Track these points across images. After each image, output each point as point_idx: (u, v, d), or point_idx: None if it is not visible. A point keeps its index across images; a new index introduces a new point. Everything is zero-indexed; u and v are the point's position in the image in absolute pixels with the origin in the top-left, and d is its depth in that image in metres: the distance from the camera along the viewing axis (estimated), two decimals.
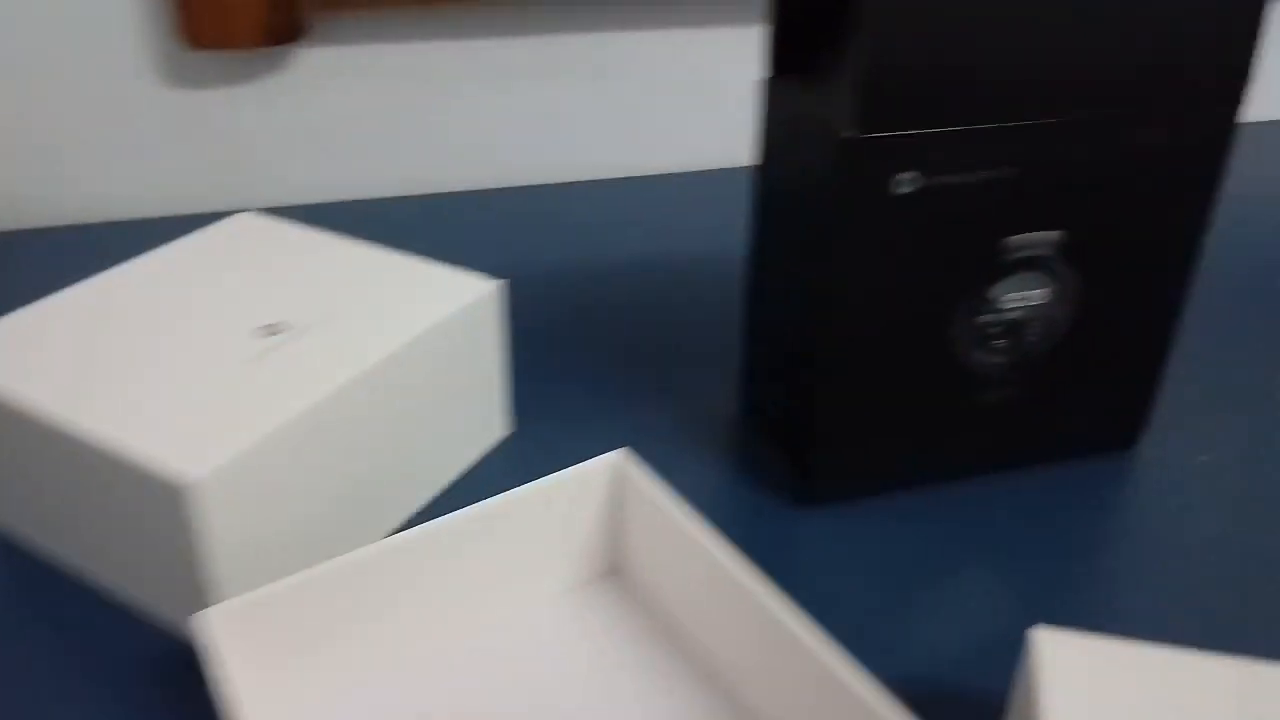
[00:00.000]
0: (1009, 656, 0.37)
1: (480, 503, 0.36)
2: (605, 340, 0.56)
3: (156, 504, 0.35)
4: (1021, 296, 0.41)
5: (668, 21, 0.75)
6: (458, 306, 0.43)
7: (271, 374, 0.39)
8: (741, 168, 0.78)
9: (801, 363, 0.42)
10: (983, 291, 0.41)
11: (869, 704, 0.29)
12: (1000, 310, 0.41)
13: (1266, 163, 0.80)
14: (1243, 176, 0.76)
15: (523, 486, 0.37)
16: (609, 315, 0.58)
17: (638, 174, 0.78)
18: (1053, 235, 0.40)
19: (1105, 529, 0.44)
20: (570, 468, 0.38)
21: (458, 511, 0.36)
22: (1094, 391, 0.45)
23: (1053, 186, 0.39)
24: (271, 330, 0.41)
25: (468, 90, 0.74)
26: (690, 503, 0.45)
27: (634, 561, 0.39)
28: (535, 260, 0.64)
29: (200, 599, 0.36)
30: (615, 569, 0.41)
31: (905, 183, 0.37)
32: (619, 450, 0.38)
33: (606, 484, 0.39)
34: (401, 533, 0.35)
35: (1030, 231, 0.40)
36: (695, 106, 0.79)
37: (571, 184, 0.75)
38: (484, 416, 0.47)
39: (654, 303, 0.60)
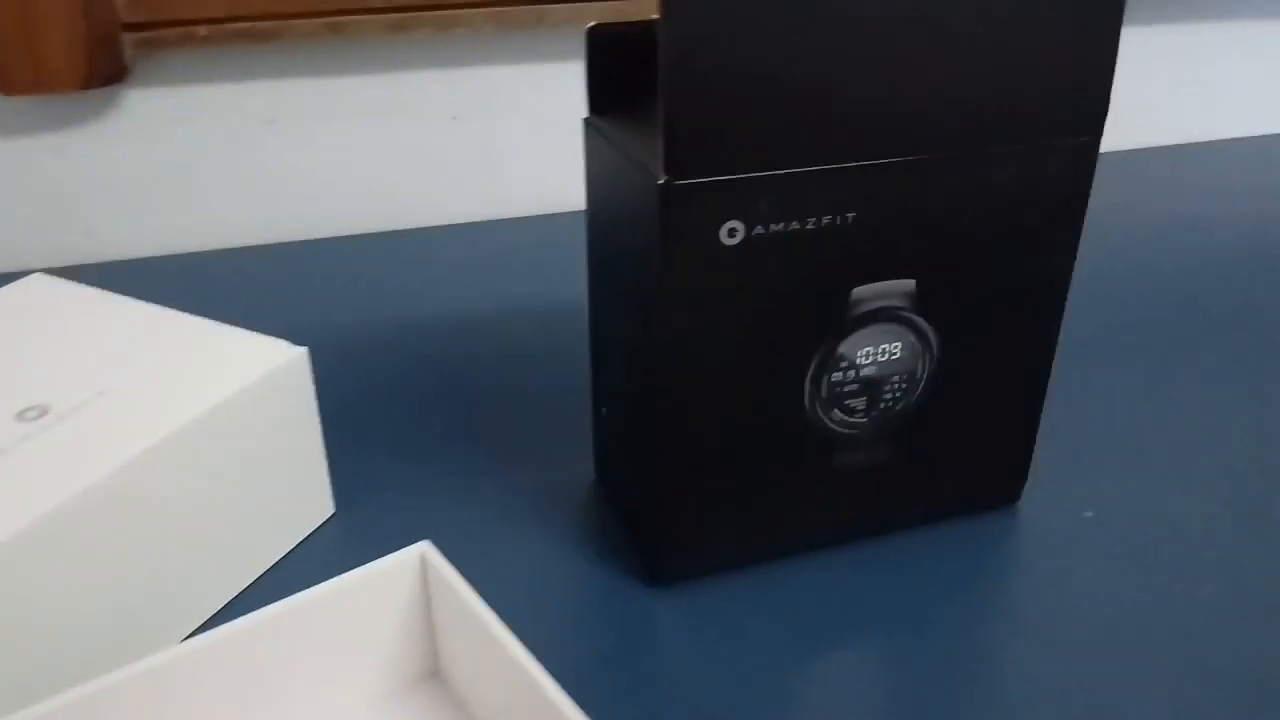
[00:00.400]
0: None
1: (273, 604, 0.31)
2: (447, 402, 0.51)
3: None
4: (875, 351, 0.38)
5: (524, 57, 0.71)
6: (257, 376, 0.38)
7: (25, 464, 0.33)
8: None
9: (641, 427, 0.38)
10: (832, 347, 0.37)
11: None
12: (853, 367, 0.38)
13: (1131, 193, 0.78)
14: (1107, 209, 0.73)
15: (316, 587, 0.32)
16: (452, 375, 0.54)
17: (497, 217, 0.73)
18: (904, 285, 0.37)
19: (983, 594, 0.40)
20: (366, 565, 0.33)
21: (246, 616, 0.31)
22: (966, 448, 0.42)
23: (900, 232, 0.36)
24: (33, 413, 0.36)
25: (312, 129, 0.69)
26: (532, 584, 0.40)
27: (450, 662, 0.35)
28: (374, 313, 0.60)
29: None
30: (433, 672, 0.36)
31: (732, 232, 0.33)
32: (420, 543, 0.34)
33: (413, 579, 0.34)
34: (189, 640, 0.30)
35: (878, 281, 0.36)
36: (560, 146, 0.74)
37: (424, 229, 0.71)
38: (300, 497, 0.42)
39: (505, 358, 0.55)
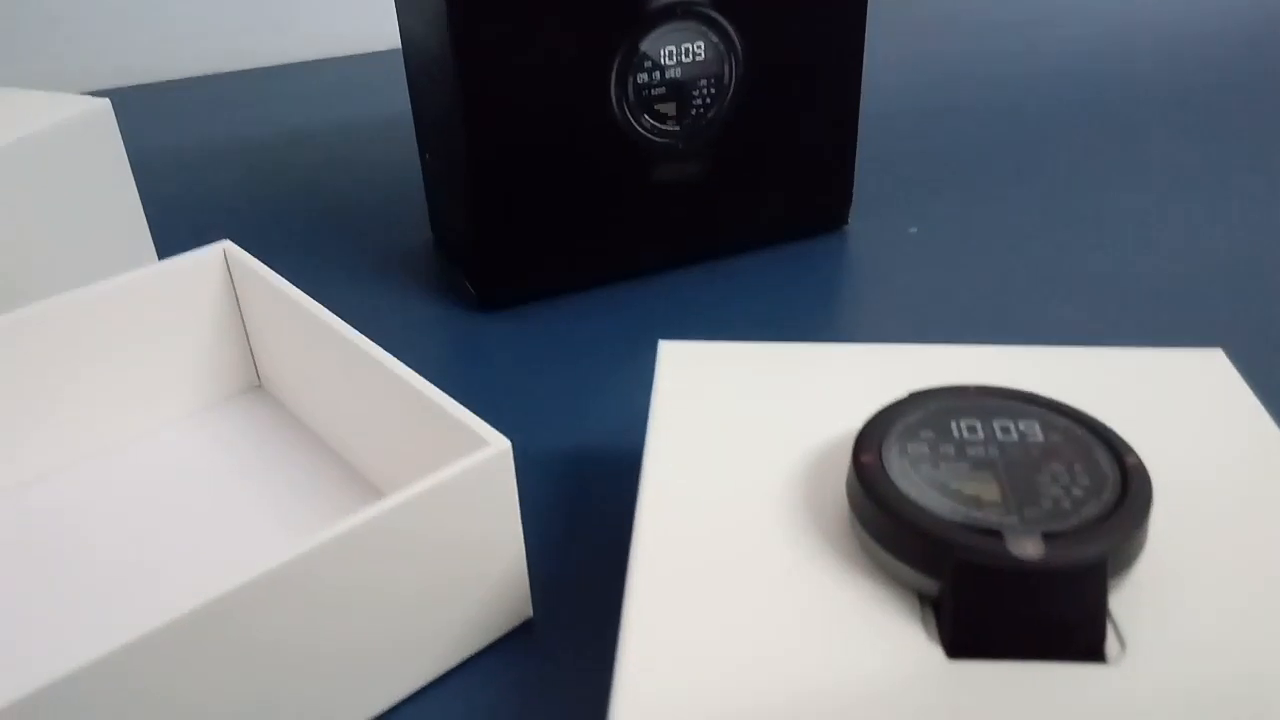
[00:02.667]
0: None
1: (75, 290, 0.31)
2: (288, 199, 0.51)
3: None
4: (679, 51, 0.38)
5: None
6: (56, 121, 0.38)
7: None
8: None
9: (455, 154, 0.38)
10: (633, 44, 0.37)
11: (471, 428, 0.26)
12: (658, 68, 0.38)
13: None
14: None
15: (116, 277, 0.32)
16: (290, 179, 0.53)
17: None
18: None
19: (811, 301, 0.41)
20: (167, 259, 0.33)
21: (46, 300, 0.31)
22: (786, 166, 0.43)
23: None
24: None
25: None
26: (370, 322, 0.40)
27: (271, 370, 0.35)
28: (215, 132, 0.59)
29: None
30: (255, 385, 0.36)
31: None
32: (221, 241, 0.34)
33: (218, 278, 0.34)
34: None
35: None
36: None
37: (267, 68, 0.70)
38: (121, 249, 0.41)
39: (347, 161, 0.55)
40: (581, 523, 0.31)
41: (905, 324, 0.39)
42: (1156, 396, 0.27)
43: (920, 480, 0.21)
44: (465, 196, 0.39)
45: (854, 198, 0.45)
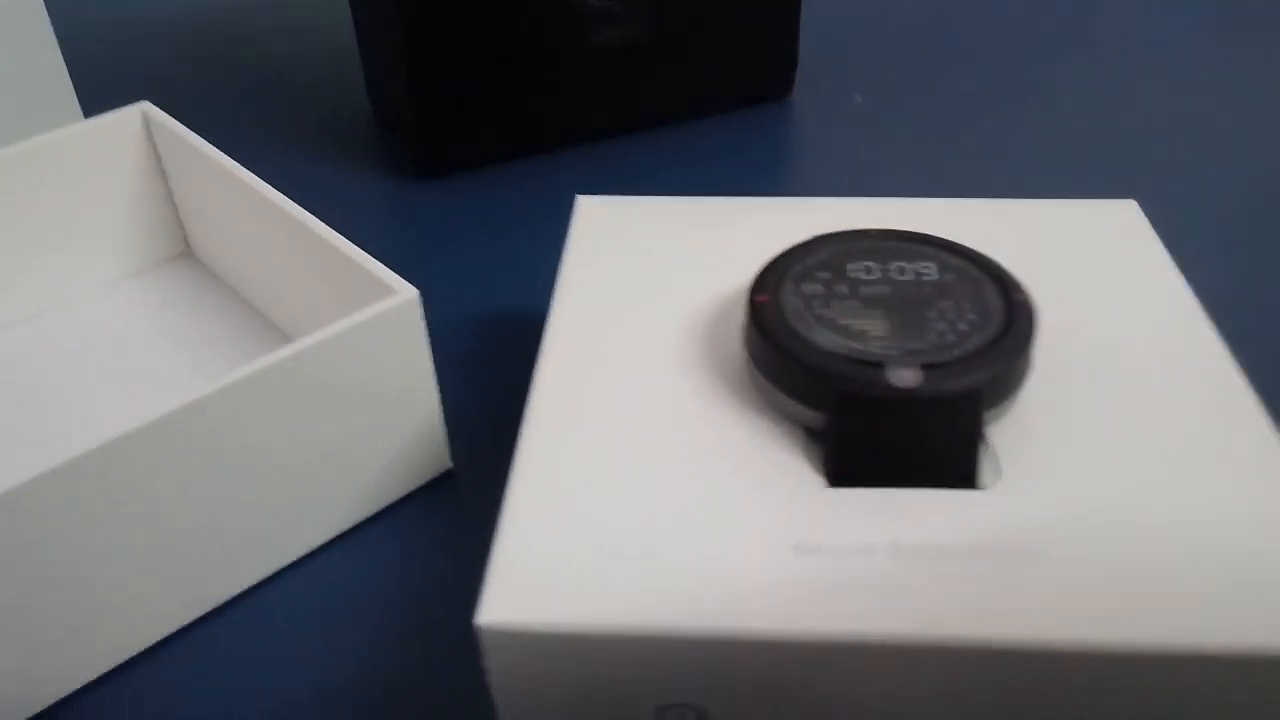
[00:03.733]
0: None
1: None
2: (225, 67, 0.50)
3: None
4: None
5: None
6: None
7: None
8: None
9: (389, 16, 0.38)
10: None
11: (379, 278, 0.26)
12: None
13: None
14: None
15: (31, 139, 0.31)
16: (228, 46, 0.52)
17: None
18: None
19: (752, 170, 0.41)
20: (83, 121, 0.32)
21: None
22: (727, 30, 0.42)
23: None
24: None
25: None
26: (306, 191, 0.40)
27: (201, 238, 0.35)
28: (134, 12, 0.57)
29: None
30: (185, 252, 0.36)
31: None
32: (139, 102, 0.33)
33: (137, 140, 0.33)
34: None
35: None
36: None
37: None
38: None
39: (279, 31, 0.54)
40: (501, 379, 0.31)
41: (845, 193, 0.39)
42: (1064, 243, 0.27)
43: (811, 318, 0.22)
44: (397, 61, 0.38)
45: (798, 66, 0.45)
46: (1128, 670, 0.18)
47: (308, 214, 0.28)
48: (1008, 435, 0.21)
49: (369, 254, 0.27)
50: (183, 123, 0.42)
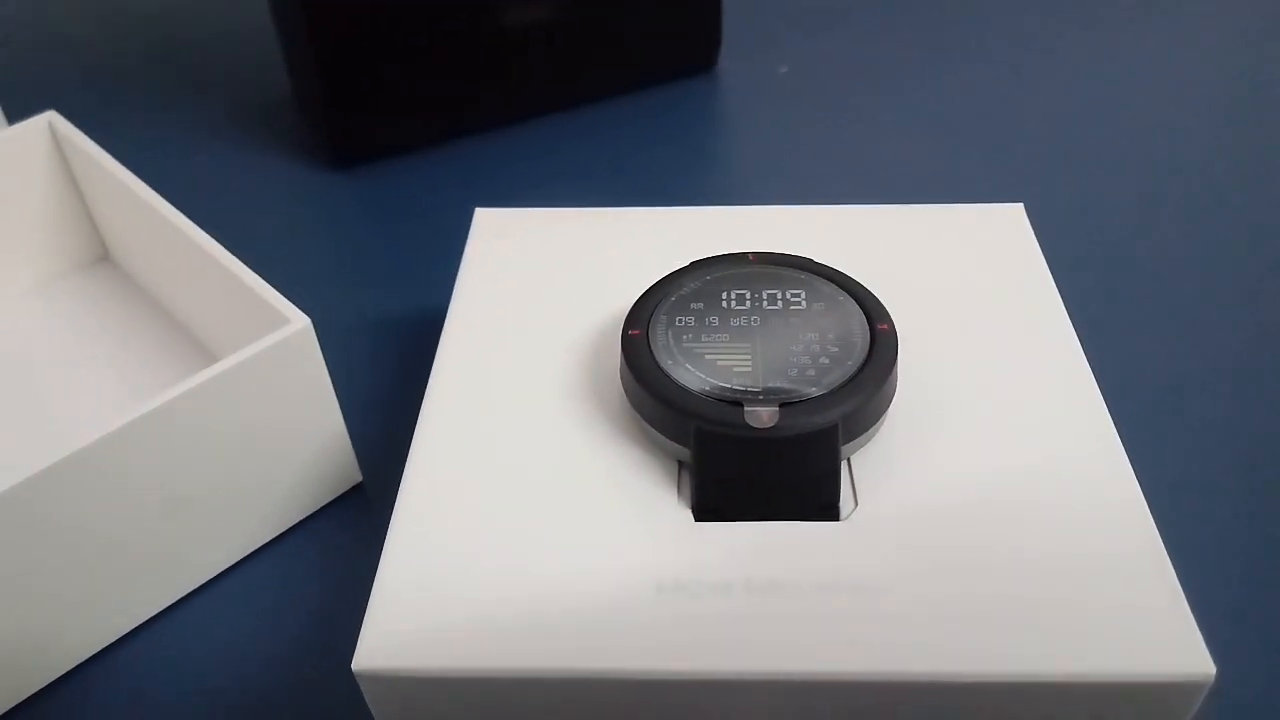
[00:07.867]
0: None
1: None
2: (144, 52, 0.49)
3: None
4: None
5: None
6: None
7: None
8: None
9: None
10: None
11: (274, 306, 0.26)
12: None
13: None
14: None
15: None
16: (149, 30, 0.51)
17: None
18: None
19: (677, 147, 0.41)
20: None
21: None
22: (648, 4, 0.42)
23: None
24: None
25: None
26: (222, 183, 0.40)
27: (117, 245, 0.35)
28: None
29: None
30: (102, 257, 0.36)
31: None
32: (46, 113, 0.33)
33: (46, 151, 0.33)
34: None
35: None
36: None
37: None
38: None
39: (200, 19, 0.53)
40: (411, 388, 0.32)
41: (770, 169, 0.40)
42: (945, 253, 0.27)
43: (679, 353, 0.22)
44: (304, 42, 0.38)
45: (723, 37, 0.44)
46: (959, 699, 0.19)
47: (206, 236, 0.28)
48: (869, 462, 0.22)
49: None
50: (106, 105, 0.42)
